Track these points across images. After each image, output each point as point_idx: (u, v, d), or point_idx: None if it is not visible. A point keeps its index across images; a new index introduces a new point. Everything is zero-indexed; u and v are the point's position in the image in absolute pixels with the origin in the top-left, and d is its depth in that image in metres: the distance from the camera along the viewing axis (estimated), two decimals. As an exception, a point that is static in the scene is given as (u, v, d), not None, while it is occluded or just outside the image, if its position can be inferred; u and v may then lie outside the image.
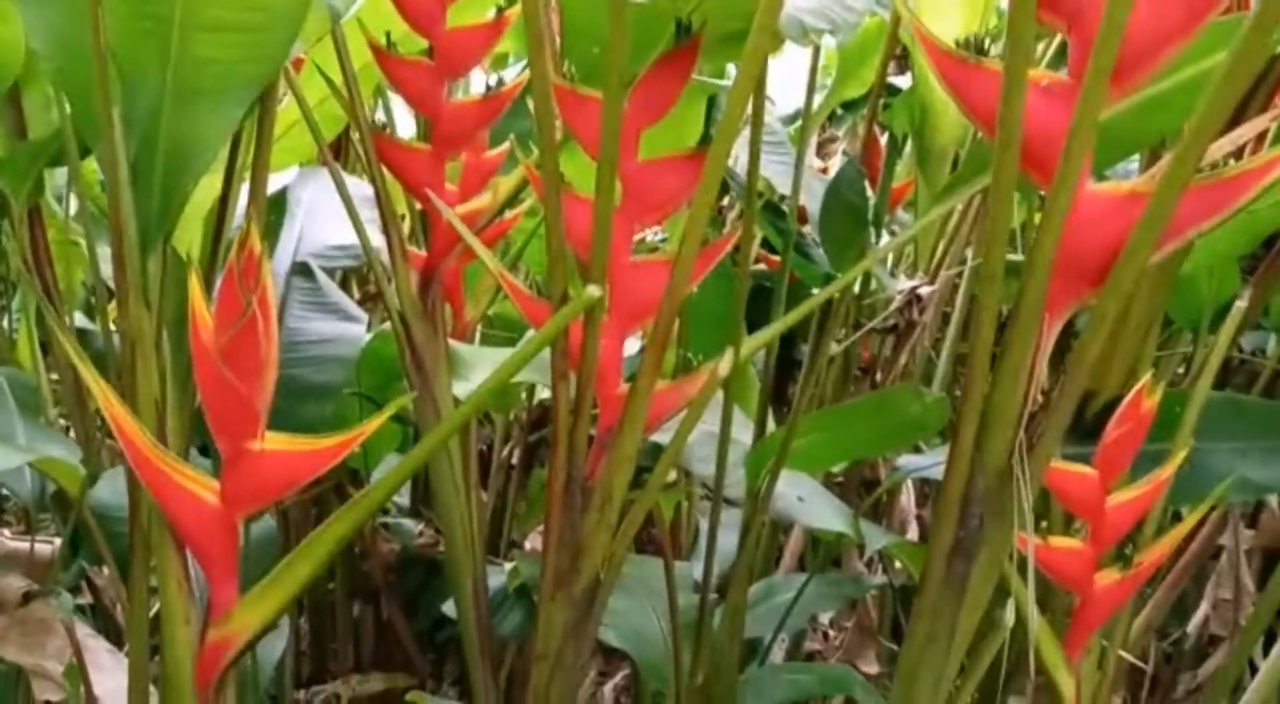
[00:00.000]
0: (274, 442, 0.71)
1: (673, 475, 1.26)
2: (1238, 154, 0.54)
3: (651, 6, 0.76)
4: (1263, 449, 1.03)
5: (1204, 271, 1.36)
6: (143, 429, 0.71)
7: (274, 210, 1.07)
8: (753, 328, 0.99)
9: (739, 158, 1.30)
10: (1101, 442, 0.88)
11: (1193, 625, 1.46)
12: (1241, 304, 0.93)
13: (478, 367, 1.08)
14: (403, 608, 1.61)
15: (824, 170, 2.01)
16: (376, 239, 1.03)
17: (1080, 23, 0.51)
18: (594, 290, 0.67)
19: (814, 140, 1.99)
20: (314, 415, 1.00)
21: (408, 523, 1.62)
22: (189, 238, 0.94)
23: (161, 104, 0.75)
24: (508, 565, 1.24)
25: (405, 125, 1.31)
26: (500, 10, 0.97)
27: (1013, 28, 0.47)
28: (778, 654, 1.33)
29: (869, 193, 1.14)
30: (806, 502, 1.00)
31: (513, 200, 1.11)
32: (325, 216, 1.11)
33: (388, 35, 0.98)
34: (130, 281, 0.74)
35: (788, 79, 1.65)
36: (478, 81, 1.35)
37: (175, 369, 0.87)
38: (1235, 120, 0.81)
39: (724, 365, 0.71)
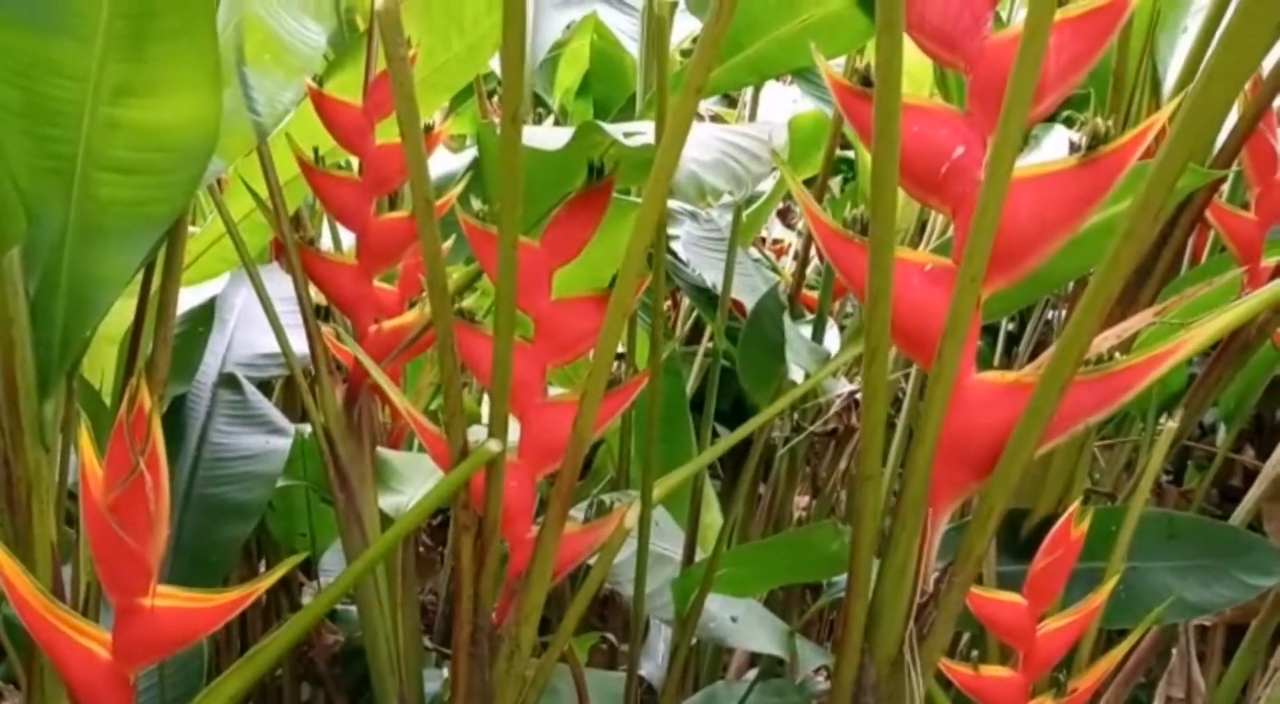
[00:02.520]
0: (166, 597, 0.68)
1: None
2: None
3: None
4: (1200, 568, 1.02)
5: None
6: (30, 579, 0.69)
7: (204, 320, 1.05)
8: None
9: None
10: (1031, 569, 0.87)
11: (1145, 724, 1.44)
12: (1173, 424, 0.92)
13: (411, 477, 1.07)
14: (349, 696, 1.58)
15: (779, 249, 2.01)
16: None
17: (963, 210, 0.50)
18: (493, 445, 0.66)
19: (772, 220, 1.98)
20: (234, 536, 0.97)
21: (354, 611, 1.59)
22: (101, 364, 0.92)
23: (64, 242, 0.74)
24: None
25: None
26: (429, 128, 0.96)
27: (875, 203, 0.46)
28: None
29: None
30: (740, 622, 0.99)
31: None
32: (257, 324, 1.10)
33: (315, 150, 0.97)
34: (25, 424, 0.72)
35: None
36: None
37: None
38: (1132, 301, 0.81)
39: (631, 516, 0.70)
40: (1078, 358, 0.46)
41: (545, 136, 0.71)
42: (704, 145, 0.67)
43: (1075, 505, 0.84)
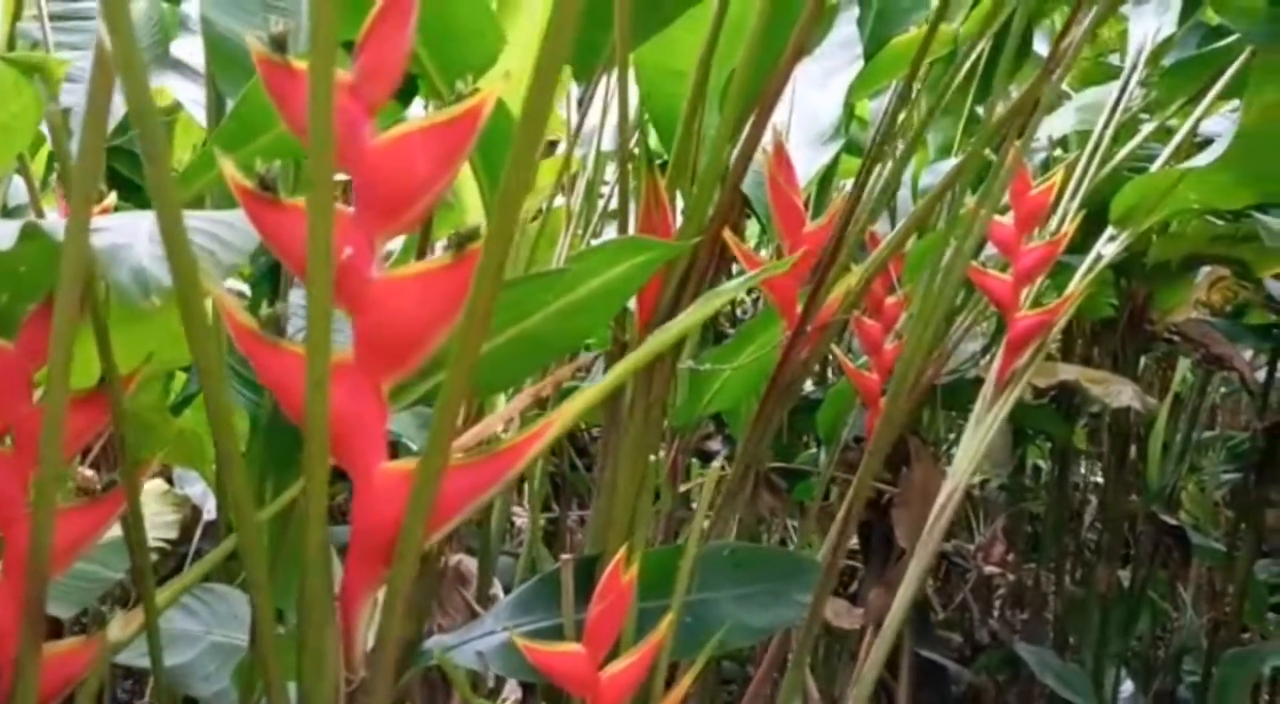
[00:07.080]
0: None
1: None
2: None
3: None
4: (763, 593, 1.09)
5: (735, 407, 1.47)
6: None
7: None
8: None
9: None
10: (587, 617, 0.90)
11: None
12: (717, 466, 0.99)
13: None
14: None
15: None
16: None
17: (358, 309, 0.52)
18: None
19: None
20: None
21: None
22: None
23: None
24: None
25: None
26: None
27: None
28: None
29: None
30: None
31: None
32: None
33: None
34: None
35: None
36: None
37: None
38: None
39: (115, 628, 0.67)
40: (445, 449, 0.49)
41: (-2, 234, 0.67)
42: (168, 238, 0.66)
43: (623, 550, 0.89)
